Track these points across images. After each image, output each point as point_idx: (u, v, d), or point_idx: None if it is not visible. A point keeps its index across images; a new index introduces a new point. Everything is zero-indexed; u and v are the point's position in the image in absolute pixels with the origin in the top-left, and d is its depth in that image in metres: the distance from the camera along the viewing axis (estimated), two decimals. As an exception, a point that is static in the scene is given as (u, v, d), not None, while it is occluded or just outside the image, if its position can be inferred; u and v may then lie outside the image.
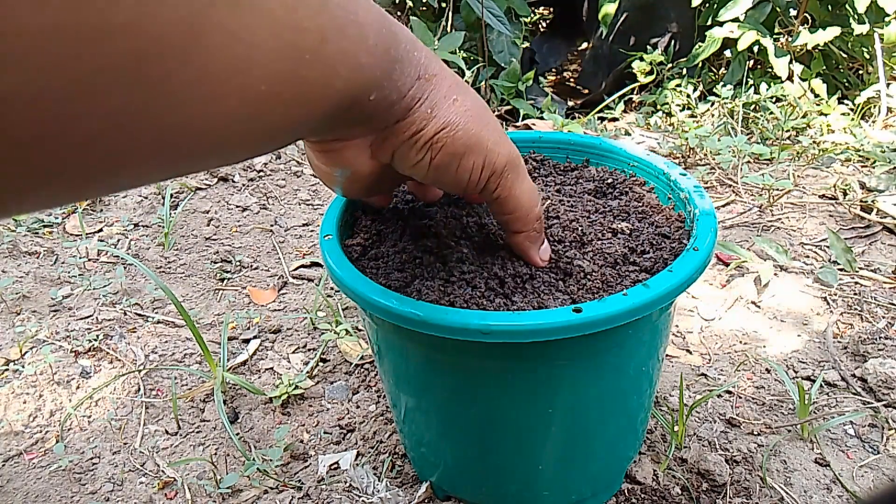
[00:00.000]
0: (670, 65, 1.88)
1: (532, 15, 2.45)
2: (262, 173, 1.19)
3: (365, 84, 0.29)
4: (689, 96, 1.63)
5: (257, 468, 0.63)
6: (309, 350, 0.81)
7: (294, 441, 0.67)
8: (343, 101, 0.28)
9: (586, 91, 2.31)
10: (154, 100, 0.19)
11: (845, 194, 1.09)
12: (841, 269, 0.90)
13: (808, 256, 0.95)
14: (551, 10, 2.78)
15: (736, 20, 1.65)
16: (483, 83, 1.88)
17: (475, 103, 0.36)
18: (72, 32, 0.16)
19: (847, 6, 1.57)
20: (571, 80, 2.56)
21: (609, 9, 1.85)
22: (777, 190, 1.08)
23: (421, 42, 0.34)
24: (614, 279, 0.45)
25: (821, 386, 0.71)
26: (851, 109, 1.52)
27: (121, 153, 0.20)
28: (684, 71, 1.84)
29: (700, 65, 1.84)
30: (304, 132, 0.28)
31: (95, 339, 0.80)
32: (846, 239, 0.95)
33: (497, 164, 0.36)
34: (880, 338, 0.77)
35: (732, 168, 1.20)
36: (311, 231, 1.07)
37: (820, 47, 1.67)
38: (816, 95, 1.54)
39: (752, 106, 1.54)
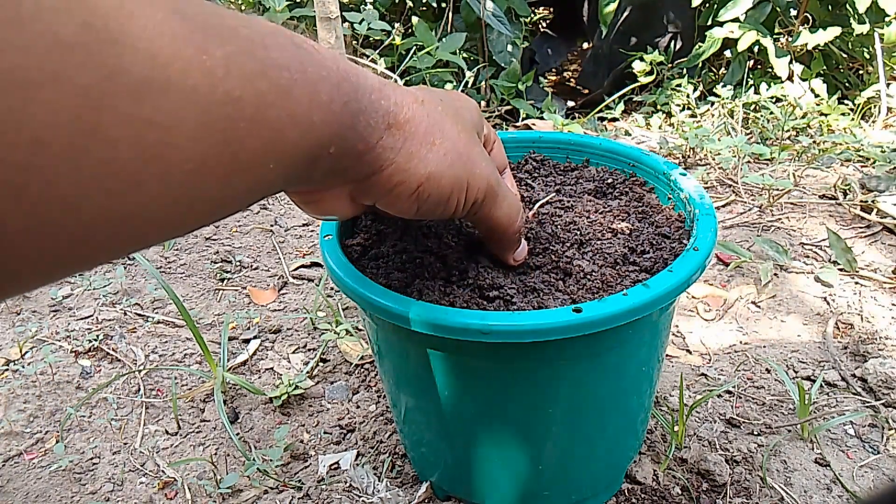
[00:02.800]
0: (670, 65, 1.89)
1: (532, 15, 2.45)
2: (262, 173, 1.19)
3: (321, 141, 0.27)
4: (689, 96, 1.63)
5: (257, 468, 0.63)
6: (309, 350, 0.81)
7: (294, 441, 0.68)
8: (297, 160, 0.26)
9: (586, 91, 2.31)
10: (44, 207, 0.17)
11: (845, 194, 1.09)
12: (841, 269, 0.90)
13: (808, 256, 0.95)
14: (551, 10, 2.78)
15: (736, 20, 1.65)
16: (483, 83, 1.88)
17: (455, 141, 0.35)
18: None
19: (847, 6, 1.57)
20: (571, 80, 2.56)
21: (609, 8, 1.85)
22: (777, 190, 1.08)
23: (393, 85, 0.33)
24: (614, 279, 0.45)
25: (821, 386, 0.71)
26: (851, 109, 1.52)
27: (20, 258, 0.18)
28: (684, 71, 1.84)
29: (700, 65, 1.85)
30: (263, 192, 0.26)
31: (95, 339, 0.80)
32: (846, 239, 0.95)
33: (477, 196, 0.37)
34: (880, 338, 0.77)
35: (732, 168, 1.20)
36: (311, 231, 1.07)
37: (820, 47, 1.67)
38: (816, 95, 1.54)
39: (752, 106, 1.54)
